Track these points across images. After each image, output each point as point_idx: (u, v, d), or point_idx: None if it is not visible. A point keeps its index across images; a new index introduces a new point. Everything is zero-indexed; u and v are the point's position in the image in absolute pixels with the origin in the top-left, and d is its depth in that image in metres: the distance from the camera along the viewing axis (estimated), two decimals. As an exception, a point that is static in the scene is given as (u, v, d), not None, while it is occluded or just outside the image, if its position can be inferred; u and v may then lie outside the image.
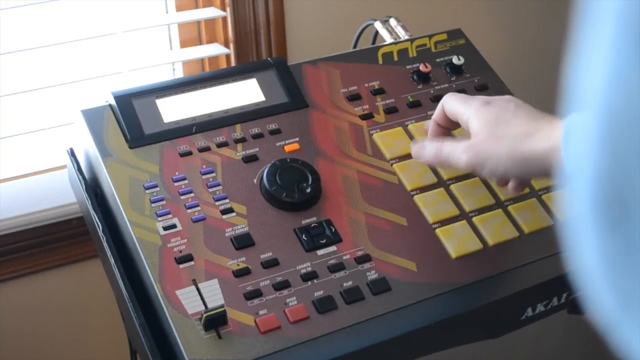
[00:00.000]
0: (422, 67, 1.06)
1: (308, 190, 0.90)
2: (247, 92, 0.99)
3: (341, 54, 1.07)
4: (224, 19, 1.40)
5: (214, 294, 0.81)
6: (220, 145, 0.94)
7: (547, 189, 0.97)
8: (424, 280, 0.87)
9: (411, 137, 0.99)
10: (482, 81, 1.07)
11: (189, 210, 0.88)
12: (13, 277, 1.37)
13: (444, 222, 0.92)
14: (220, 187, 0.90)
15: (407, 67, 1.07)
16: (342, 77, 1.04)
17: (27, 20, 1.29)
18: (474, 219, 0.93)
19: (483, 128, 0.83)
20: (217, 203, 0.89)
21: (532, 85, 1.62)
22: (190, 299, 0.81)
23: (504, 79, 1.09)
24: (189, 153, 0.92)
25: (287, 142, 0.96)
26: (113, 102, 0.94)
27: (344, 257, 0.87)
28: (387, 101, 1.03)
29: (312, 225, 0.89)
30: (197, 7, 1.42)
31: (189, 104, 0.96)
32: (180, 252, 0.84)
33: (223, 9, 1.40)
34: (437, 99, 1.02)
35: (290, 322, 0.81)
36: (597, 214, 0.38)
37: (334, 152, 0.96)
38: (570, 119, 0.40)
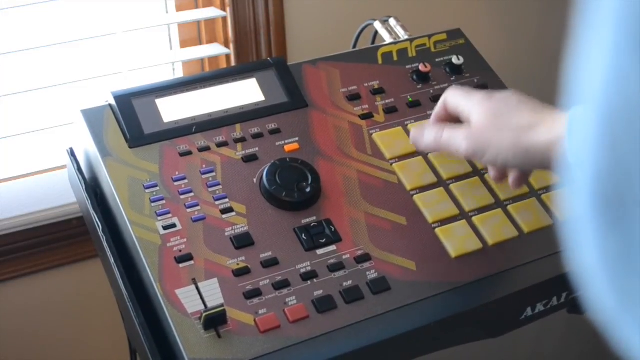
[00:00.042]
0: (421, 67, 1.06)
1: (308, 189, 0.91)
2: (247, 92, 0.99)
3: (341, 53, 1.07)
4: (224, 19, 1.40)
5: (213, 294, 0.81)
6: (220, 144, 0.94)
7: (547, 189, 0.97)
8: (424, 279, 0.87)
9: (411, 137, 0.99)
10: (482, 81, 1.07)
11: (188, 210, 0.88)
12: (13, 277, 1.37)
13: (443, 222, 0.92)
14: (220, 187, 0.90)
15: (407, 67, 1.07)
16: (341, 77, 1.04)
17: (27, 20, 1.29)
18: (474, 219, 0.93)
19: (485, 119, 0.83)
20: (216, 202, 0.89)
21: (532, 85, 1.62)
22: (190, 298, 0.81)
23: (504, 79, 1.09)
24: (189, 153, 0.93)
25: (286, 141, 0.96)
26: (113, 102, 0.94)
27: (344, 257, 0.87)
28: (387, 101, 1.03)
29: (312, 224, 0.89)
30: (197, 7, 1.42)
31: (189, 104, 0.97)
32: (180, 251, 0.84)
33: (223, 9, 1.40)
34: (436, 98, 1.02)
35: (289, 322, 0.81)
36: (596, 211, 0.38)
37: (333, 152, 0.96)
38: (573, 113, 0.40)
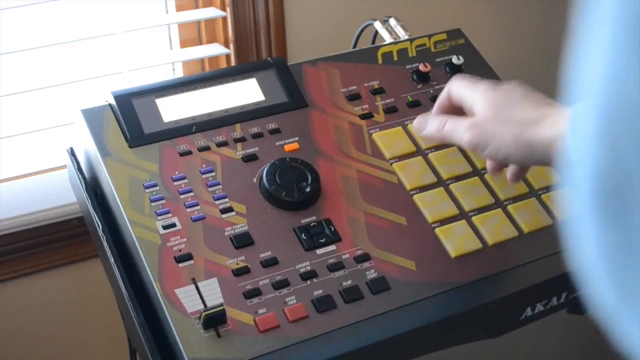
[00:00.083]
0: (421, 67, 1.06)
1: (307, 189, 0.91)
2: (246, 92, 0.99)
3: (341, 53, 1.07)
4: (224, 19, 1.40)
5: (213, 293, 0.82)
6: (220, 144, 0.94)
7: (547, 189, 0.97)
8: (423, 279, 0.87)
9: (411, 137, 0.99)
10: (482, 81, 1.07)
11: (188, 210, 0.88)
12: (13, 277, 1.37)
13: (443, 222, 0.92)
14: (220, 187, 0.90)
15: (407, 66, 1.07)
16: (341, 76, 1.04)
17: (27, 20, 1.29)
18: (474, 219, 0.93)
19: (488, 111, 0.82)
20: (216, 202, 0.89)
21: (532, 85, 1.62)
22: (190, 298, 0.81)
23: (504, 79, 1.09)
24: (189, 152, 0.93)
25: (286, 141, 0.96)
26: (113, 102, 0.94)
27: (344, 257, 0.87)
28: (387, 101, 1.03)
29: (312, 224, 0.89)
30: (197, 7, 1.42)
31: (189, 104, 0.97)
32: (180, 251, 0.84)
33: (223, 9, 1.40)
34: (436, 98, 1.02)
35: (289, 321, 0.81)
36: (596, 207, 0.38)
37: (333, 152, 0.96)
38: (576, 110, 0.40)
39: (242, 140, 0.95)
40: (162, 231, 0.86)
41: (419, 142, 0.99)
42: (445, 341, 0.90)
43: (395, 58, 1.08)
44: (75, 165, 0.95)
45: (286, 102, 0.99)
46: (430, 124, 0.88)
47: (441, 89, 1.04)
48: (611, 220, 0.37)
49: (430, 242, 0.90)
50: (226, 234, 0.87)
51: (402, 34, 1.15)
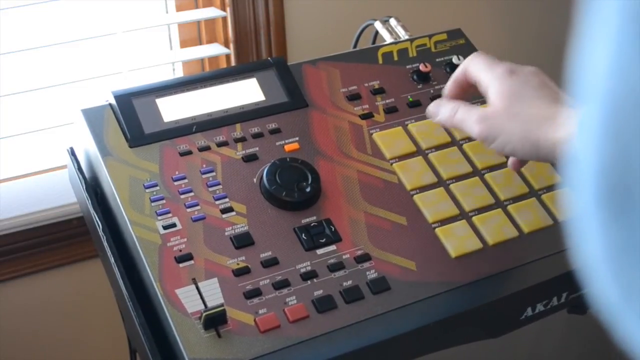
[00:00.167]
0: (422, 67, 1.06)
1: (308, 189, 0.90)
2: (247, 92, 0.99)
3: (341, 53, 1.07)
4: (224, 19, 1.40)
5: (213, 293, 0.81)
6: (220, 144, 0.94)
7: (547, 189, 0.97)
8: (424, 279, 0.87)
9: (411, 137, 0.99)
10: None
11: (188, 210, 0.88)
12: (13, 277, 1.37)
13: (443, 222, 0.92)
14: (220, 187, 0.90)
15: (407, 66, 1.07)
16: (342, 76, 1.04)
17: (27, 20, 1.29)
18: (474, 219, 0.93)
19: (501, 100, 0.82)
20: (217, 202, 0.89)
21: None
22: (190, 298, 0.81)
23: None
24: (189, 152, 0.92)
25: (287, 141, 0.96)
26: (113, 102, 0.94)
27: (344, 257, 0.87)
28: (387, 101, 1.03)
29: (312, 224, 0.89)
30: (197, 7, 1.42)
31: (189, 104, 0.97)
32: (180, 251, 0.84)
33: (223, 9, 1.40)
34: (436, 98, 1.02)
35: (289, 321, 0.81)
36: (600, 204, 0.38)
37: (333, 152, 0.96)
38: (583, 111, 0.39)
39: (242, 140, 0.95)
40: (162, 231, 0.86)
41: (419, 142, 0.99)
42: (446, 341, 0.90)
43: (396, 58, 1.08)
44: (76, 165, 0.95)
45: (286, 102, 0.99)
46: (442, 111, 0.88)
47: (441, 89, 1.04)
48: (615, 217, 0.37)
49: (431, 242, 0.90)
50: (226, 234, 0.87)
51: (403, 34, 1.15)
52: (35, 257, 1.37)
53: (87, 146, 0.93)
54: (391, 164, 0.96)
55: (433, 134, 1.00)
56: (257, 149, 0.95)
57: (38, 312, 1.42)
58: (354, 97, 1.02)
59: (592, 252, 0.39)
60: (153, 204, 0.87)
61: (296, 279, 0.84)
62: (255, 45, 1.43)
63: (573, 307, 0.95)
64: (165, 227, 0.86)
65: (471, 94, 0.92)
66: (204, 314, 0.78)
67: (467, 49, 1.10)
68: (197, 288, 0.82)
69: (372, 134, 0.99)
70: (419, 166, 0.96)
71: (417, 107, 1.03)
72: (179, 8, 1.41)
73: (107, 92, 0.96)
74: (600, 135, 0.37)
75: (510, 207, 0.95)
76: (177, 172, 0.91)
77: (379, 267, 0.87)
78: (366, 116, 1.01)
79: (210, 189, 0.90)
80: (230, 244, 0.86)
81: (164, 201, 0.88)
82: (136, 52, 1.37)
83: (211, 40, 1.44)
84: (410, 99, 1.03)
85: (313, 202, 0.91)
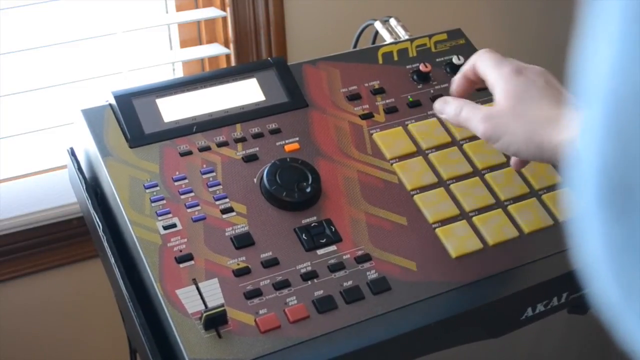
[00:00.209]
0: (422, 67, 1.06)
1: (308, 189, 0.90)
2: (247, 92, 0.99)
3: (341, 53, 1.07)
4: (224, 19, 1.40)
5: (214, 294, 0.81)
6: (220, 144, 0.94)
7: (547, 189, 0.97)
8: (424, 279, 0.87)
9: (411, 137, 0.99)
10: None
11: (189, 210, 0.88)
12: (13, 277, 1.37)
13: (444, 222, 0.92)
14: (221, 187, 0.90)
15: (407, 66, 1.07)
16: (342, 77, 1.04)
17: (27, 20, 1.29)
18: (474, 219, 0.93)
19: (506, 100, 0.82)
20: (217, 202, 0.89)
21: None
22: (190, 299, 0.81)
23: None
24: (189, 152, 0.92)
25: (287, 141, 0.96)
26: (113, 102, 0.94)
27: (344, 257, 0.87)
28: (387, 101, 1.03)
29: (312, 224, 0.89)
30: (197, 7, 1.42)
31: (189, 104, 0.97)
32: (181, 251, 0.84)
33: (223, 9, 1.40)
34: (436, 98, 1.02)
35: (290, 322, 0.81)
36: (602, 203, 0.38)
37: (334, 152, 0.96)
38: (586, 112, 0.39)
39: (242, 140, 0.95)
40: (162, 231, 0.86)
41: (419, 142, 0.99)
42: (446, 341, 0.90)
43: (396, 58, 1.08)
44: (76, 165, 0.95)
45: (286, 102, 0.99)
46: (448, 109, 0.89)
47: (442, 89, 1.05)
48: (616, 216, 0.37)
49: (431, 242, 0.90)
50: (227, 234, 0.87)
51: (403, 34, 1.15)
52: (35, 257, 1.37)
53: (87, 146, 0.93)
54: (391, 164, 0.96)
55: (433, 134, 1.00)
56: (258, 149, 0.94)
57: (38, 312, 1.42)
58: (354, 97, 1.02)
59: (593, 252, 0.39)
60: (153, 204, 0.87)
61: (296, 279, 0.84)
62: (255, 45, 1.43)
63: (573, 308, 0.95)
64: (165, 228, 0.86)
65: (480, 87, 0.92)
66: (205, 315, 0.78)
67: (467, 49, 1.10)
68: (198, 288, 0.82)
69: (372, 134, 0.99)
70: (419, 166, 0.96)
71: (417, 107, 1.03)
72: (179, 8, 1.41)
73: (107, 92, 0.96)
74: (602, 135, 0.37)
75: (510, 207, 0.95)
76: (177, 173, 0.91)
77: (379, 267, 0.87)
78: (366, 116, 1.00)
79: (211, 189, 0.90)
80: (231, 244, 0.86)
81: (164, 201, 0.88)
82: (136, 52, 1.37)
83: (211, 40, 1.44)
84: (411, 99, 1.03)
85: (313, 203, 0.91)
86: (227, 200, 0.89)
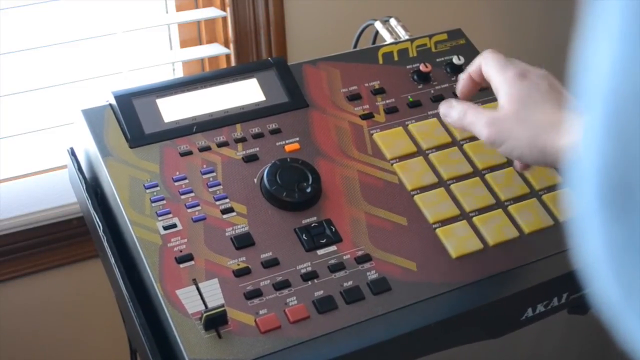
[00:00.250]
0: (422, 67, 1.06)
1: (308, 190, 0.90)
2: (247, 92, 0.99)
3: (341, 54, 1.07)
4: (224, 19, 1.40)
5: (214, 294, 0.81)
6: (220, 144, 0.94)
7: (547, 189, 0.97)
8: (424, 280, 0.87)
9: (411, 137, 0.99)
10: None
11: (189, 210, 0.88)
12: (13, 277, 1.37)
13: (444, 222, 0.92)
14: (221, 187, 0.90)
15: (408, 67, 1.07)
16: (342, 77, 1.04)
17: (27, 20, 1.29)
18: (474, 219, 0.93)
19: (510, 104, 0.83)
20: (217, 203, 0.89)
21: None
22: (191, 299, 0.81)
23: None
24: (189, 153, 0.92)
25: (287, 141, 0.96)
26: (113, 102, 0.94)
27: (344, 257, 0.87)
28: (388, 101, 1.03)
29: (312, 225, 0.89)
30: (197, 7, 1.42)
31: (190, 104, 0.96)
32: (181, 251, 0.84)
33: (223, 9, 1.40)
34: (437, 99, 1.02)
35: (290, 322, 0.81)
36: (602, 203, 0.38)
37: (334, 152, 0.96)
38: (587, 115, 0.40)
39: (242, 140, 0.95)
40: (162, 232, 0.85)
41: (419, 142, 0.99)
42: (446, 342, 0.90)
43: (396, 58, 1.08)
44: (76, 165, 0.95)
45: (287, 102, 0.99)
46: (452, 113, 0.89)
47: (442, 89, 1.05)
48: (617, 216, 0.37)
49: (431, 242, 0.90)
50: (227, 234, 0.87)
51: (403, 34, 1.15)
52: (35, 257, 1.37)
53: (87, 146, 0.93)
54: (392, 164, 0.96)
55: (433, 134, 1.00)
56: (258, 149, 0.94)
57: (38, 312, 1.42)
58: (354, 97, 1.02)
59: (593, 252, 0.39)
60: (153, 204, 0.87)
61: (297, 279, 0.84)
62: (255, 45, 1.43)
63: (573, 308, 0.95)
64: (165, 228, 0.86)
65: (484, 87, 0.92)
66: (205, 315, 0.78)
67: (467, 49, 1.10)
68: (198, 288, 0.82)
69: (372, 134, 0.99)
70: (419, 166, 0.96)
71: (418, 107, 1.03)
72: (179, 8, 1.40)
73: (107, 92, 0.96)
74: (602, 134, 0.37)
75: (510, 208, 0.95)
76: (177, 173, 0.91)
77: (379, 267, 0.87)
78: (366, 116, 1.00)
79: (211, 190, 0.90)
80: (231, 244, 0.86)
81: (164, 202, 0.88)
82: (136, 52, 1.37)
83: (211, 40, 1.44)
84: (411, 99, 1.03)
85: (313, 203, 0.91)
86: (227, 200, 0.89)
